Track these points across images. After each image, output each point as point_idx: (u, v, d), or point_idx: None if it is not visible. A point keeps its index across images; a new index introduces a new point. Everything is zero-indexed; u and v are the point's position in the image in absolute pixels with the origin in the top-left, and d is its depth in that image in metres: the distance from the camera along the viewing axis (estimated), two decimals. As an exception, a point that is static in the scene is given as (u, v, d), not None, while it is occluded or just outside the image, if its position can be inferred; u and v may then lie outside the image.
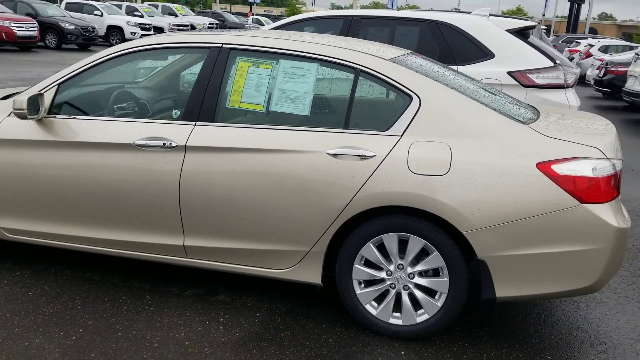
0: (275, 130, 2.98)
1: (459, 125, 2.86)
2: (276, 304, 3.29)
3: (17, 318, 3.00)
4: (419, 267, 2.91)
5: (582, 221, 2.71)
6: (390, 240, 2.90)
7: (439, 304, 2.91)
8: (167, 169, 3.06)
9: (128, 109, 3.42)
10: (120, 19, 24.59)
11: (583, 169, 2.73)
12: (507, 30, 5.17)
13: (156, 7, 31.13)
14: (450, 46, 5.18)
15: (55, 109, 3.32)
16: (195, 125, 3.08)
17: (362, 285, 3.01)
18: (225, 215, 3.04)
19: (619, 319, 3.33)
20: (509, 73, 4.98)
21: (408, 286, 2.95)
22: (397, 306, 2.99)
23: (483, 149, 2.79)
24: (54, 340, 2.82)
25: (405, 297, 2.96)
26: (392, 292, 2.97)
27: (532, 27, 5.50)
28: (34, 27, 19.13)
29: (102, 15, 24.59)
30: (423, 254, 2.89)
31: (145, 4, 31.76)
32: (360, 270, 2.97)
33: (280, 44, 3.12)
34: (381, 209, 2.90)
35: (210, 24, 32.75)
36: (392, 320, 2.99)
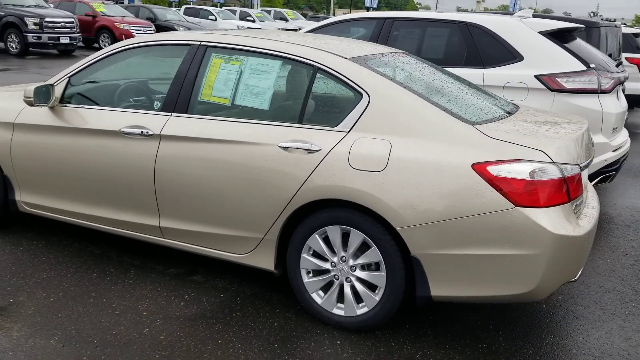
0: (236, 122, 3.18)
1: (403, 123, 2.89)
2: (244, 288, 3.48)
3: (14, 279, 3.44)
4: (360, 261, 2.97)
5: (517, 225, 2.65)
6: (334, 232, 2.99)
7: (377, 298, 2.96)
8: (144, 155, 3.37)
9: (124, 101, 3.77)
10: (231, 24, 25.91)
11: (520, 171, 2.67)
12: (540, 32, 4.97)
13: (269, 12, 32.43)
14: (479, 48, 5.08)
15: (68, 98, 3.75)
16: (171, 116, 3.36)
17: (310, 275, 3.13)
18: (193, 200, 3.29)
19: (589, 334, 3.16)
20: (536, 76, 4.80)
21: (350, 278, 3.02)
22: (342, 297, 3.07)
23: (422, 148, 2.81)
24: (34, 299, 3.22)
25: (347, 289, 3.04)
26: (336, 283, 3.06)
27: (573, 30, 5.25)
28: (151, 30, 20.74)
29: (215, 20, 26.08)
30: (364, 247, 2.96)
31: (259, 9, 33.19)
32: (307, 260, 3.09)
33: (249, 41, 3.32)
34: (327, 201, 3.00)
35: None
36: (335, 311, 3.07)
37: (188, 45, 3.46)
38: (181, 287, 3.46)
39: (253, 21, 27.88)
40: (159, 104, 3.47)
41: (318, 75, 3.12)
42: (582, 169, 2.90)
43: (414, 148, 2.82)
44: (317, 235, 3.04)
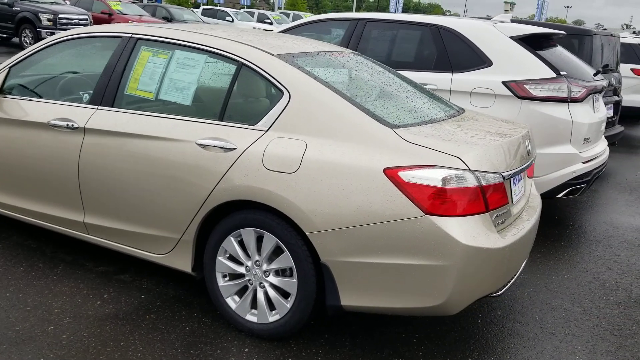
0: (158, 117, 3.09)
1: (321, 123, 2.76)
2: (169, 290, 3.38)
3: (-63, 270, 3.39)
4: (273, 266, 2.85)
5: (426, 234, 2.51)
6: (248, 235, 2.88)
7: (289, 305, 2.83)
8: (69, 148, 3.29)
9: (58, 92, 3.69)
10: (248, 26, 25.97)
11: (432, 178, 2.52)
12: (512, 37, 4.80)
13: (287, 15, 32.45)
14: (449, 52, 4.92)
15: (8, 89, 3.69)
16: (97, 109, 3.28)
17: (226, 279, 3.01)
18: (114, 197, 3.20)
19: (518, 354, 2.99)
20: (503, 83, 4.62)
21: (263, 284, 2.90)
22: (256, 303, 2.95)
23: (336, 150, 2.68)
24: (-51, 291, 3.16)
25: (260, 295, 2.91)
26: (250, 288, 2.94)
27: (550, 36, 5.06)
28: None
29: (232, 21, 26.16)
30: (278, 252, 2.83)
31: (278, 12, 33.23)
32: (222, 263, 2.98)
33: (177, 34, 3.23)
34: (243, 203, 2.89)
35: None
36: (248, 317, 2.95)
37: (120, 38, 3.38)
38: (104, 285, 3.37)
39: (271, 23, 27.90)
40: (88, 97, 3.39)
41: (242, 70, 3.01)
42: (507, 178, 2.74)
43: (328, 150, 2.69)
44: (232, 238, 2.92)
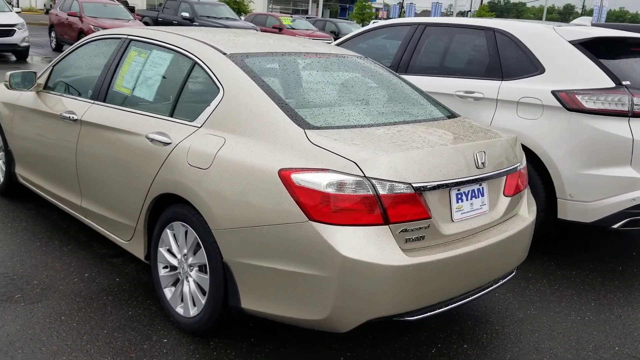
0: (127, 112, 3.29)
1: (242, 121, 2.74)
2: (145, 276, 3.56)
3: (-26, 237, 3.96)
4: (194, 261, 2.87)
5: (308, 241, 2.36)
6: (177, 228, 2.94)
7: (204, 302, 2.82)
8: (71, 137, 3.64)
9: (76, 88, 4.06)
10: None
11: (318, 182, 2.36)
12: (572, 42, 4.21)
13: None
14: (501, 58, 4.47)
15: (51, 85, 4.19)
16: (93, 103, 3.58)
17: (166, 269, 3.09)
18: (96, 184, 3.47)
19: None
20: (553, 92, 4.07)
21: (189, 278, 2.93)
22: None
23: (247, 148, 2.63)
24: (-33, 255, 3.68)
25: (185, 288, 2.95)
26: (180, 280, 2.99)
27: (625, 40, 4.34)
28: (329, 42, 21.68)
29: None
30: (198, 247, 2.84)
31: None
32: (162, 254, 3.07)
33: (153, 34, 3.41)
34: (177, 197, 2.95)
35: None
36: (178, 309, 3.00)
37: (119, 39, 3.66)
38: (93, 266, 3.65)
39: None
40: (91, 92, 3.72)
41: (195, 68, 3.09)
42: (425, 190, 2.45)
43: (240, 147, 2.65)
44: (167, 230, 3.00)
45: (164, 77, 3.27)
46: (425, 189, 2.47)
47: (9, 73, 4.04)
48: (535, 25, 4.50)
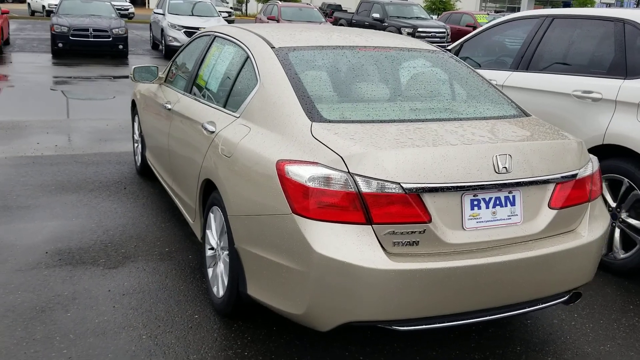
0: (198, 102, 3.56)
1: (266, 112, 2.81)
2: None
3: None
4: (224, 244, 3.00)
5: (289, 233, 2.36)
6: (215, 213, 3.10)
7: (227, 284, 2.94)
8: (165, 126, 4.04)
9: (182, 82, 4.40)
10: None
11: (301, 175, 2.33)
12: None
13: None
14: (627, 53, 3.84)
15: (169, 78, 4.66)
16: (182, 95, 3.92)
17: (212, 250, 3.27)
18: (177, 168, 3.80)
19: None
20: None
21: (220, 260, 3.07)
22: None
23: (261, 138, 2.70)
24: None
25: (217, 270, 3.09)
26: (216, 262, 3.14)
27: None
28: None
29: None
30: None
31: None
32: (207, 236, 3.26)
33: (229, 30, 3.62)
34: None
35: None
36: (213, 289, 3.16)
37: (208, 36, 3.94)
38: (177, 242, 4.01)
39: None
40: (184, 85, 4.05)
41: (247, 61, 3.21)
42: (421, 191, 2.27)
43: (258, 137, 2.72)
44: (210, 214, 3.18)
45: (226, 69, 3.45)
46: (422, 190, 2.28)
47: (133, 67, 4.58)
48: (673, 14, 3.80)
